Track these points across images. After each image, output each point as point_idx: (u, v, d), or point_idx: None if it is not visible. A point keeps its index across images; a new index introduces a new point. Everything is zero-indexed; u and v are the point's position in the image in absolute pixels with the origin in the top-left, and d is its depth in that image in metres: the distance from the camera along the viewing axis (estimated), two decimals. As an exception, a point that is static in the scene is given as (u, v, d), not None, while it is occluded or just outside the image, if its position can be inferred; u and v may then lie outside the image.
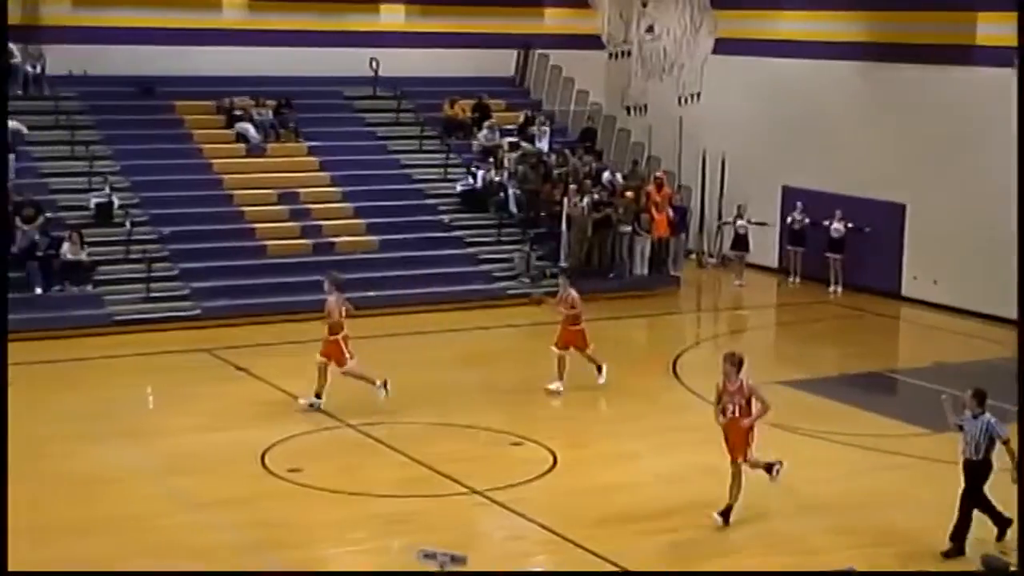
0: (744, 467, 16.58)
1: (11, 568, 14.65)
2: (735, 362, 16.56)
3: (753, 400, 16.57)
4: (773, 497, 17.20)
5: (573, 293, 22.97)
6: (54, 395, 21.68)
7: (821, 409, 22.05)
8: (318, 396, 21.49)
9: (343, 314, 21.72)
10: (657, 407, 22.78)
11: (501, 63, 38.44)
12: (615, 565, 15.28)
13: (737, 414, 16.53)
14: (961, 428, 15.90)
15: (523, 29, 38.27)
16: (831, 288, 32.40)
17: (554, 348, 22.88)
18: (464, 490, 17.71)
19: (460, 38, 36.95)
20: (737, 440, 16.57)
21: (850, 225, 31.97)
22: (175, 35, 34.25)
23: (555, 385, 22.65)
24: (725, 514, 16.48)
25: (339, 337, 21.60)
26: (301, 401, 21.52)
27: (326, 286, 22.25)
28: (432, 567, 12.65)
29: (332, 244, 31.21)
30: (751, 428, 16.60)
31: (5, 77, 16.29)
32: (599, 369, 23.22)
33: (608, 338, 26.99)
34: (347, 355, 21.54)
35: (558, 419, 21.66)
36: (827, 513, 17.14)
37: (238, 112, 34.29)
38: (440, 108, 36.24)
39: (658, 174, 34.38)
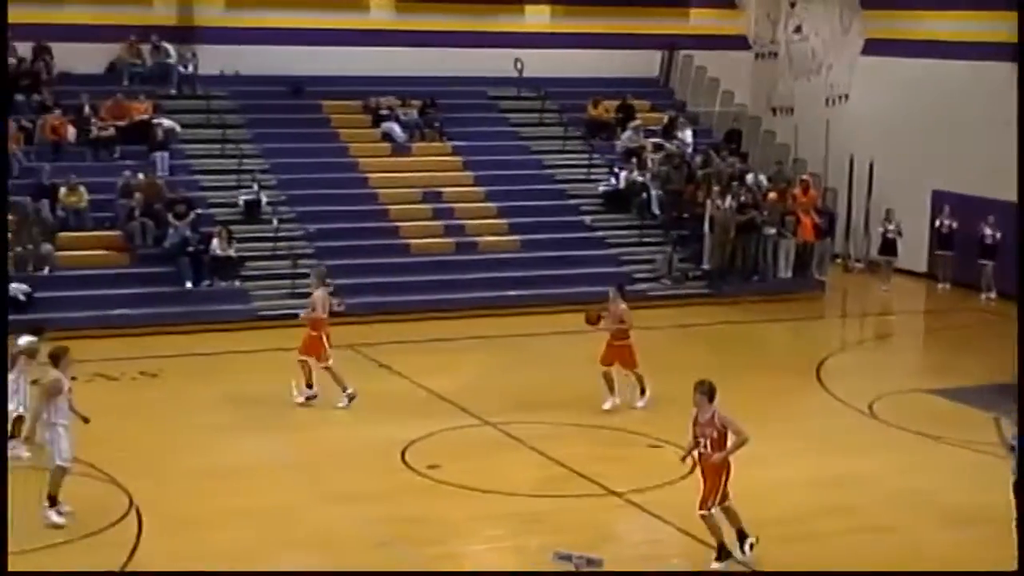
0: (714, 511, 15.07)
1: (157, 556, 15.03)
2: (705, 391, 15.05)
3: (728, 433, 15.02)
4: (917, 508, 16.93)
5: (623, 306, 21.84)
6: (202, 387, 22.09)
7: (966, 418, 21.61)
8: (309, 386, 21.67)
9: (327, 309, 21.78)
10: (799, 412, 22.56)
11: (646, 64, 38.35)
12: (752, 570, 15.15)
13: (709, 449, 15.03)
14: (1013, 449, 15.08)
15: (668, 29, 38.15)
16: (983, 295, 31.72)
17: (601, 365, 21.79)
18: (602, 491, 17.70)
19: (605, 39, 36.94)
20: (707, 480, 15.09)
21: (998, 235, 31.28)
22: (324, 36, 34.74)
23: (608, 404, 21.60)
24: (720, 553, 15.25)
25: (321, 334, 21.69)
26: (297, 398, 21.62)
27: (312, 281, 22.41)
28: (567, 568, 12.65)
29: (475, 243, 31.40)
30: (724, 466, 15.03)
31: (5, 77, 16.62)
32: (641, 392, 21.89)
33: (750, 341, 26.87)
34: (327, 351, 21.61)
35: (698, 422, 21.51)
36: (970, 525, 16.81)
37: (384, 112, 34.65)
38: (584, 108, 36.26)
39: (804, 176, 34.02)
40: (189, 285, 28.18)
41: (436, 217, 32.02)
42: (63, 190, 29.22)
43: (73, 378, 16.92)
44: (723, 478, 15.01)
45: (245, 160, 31.88)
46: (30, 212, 28.33)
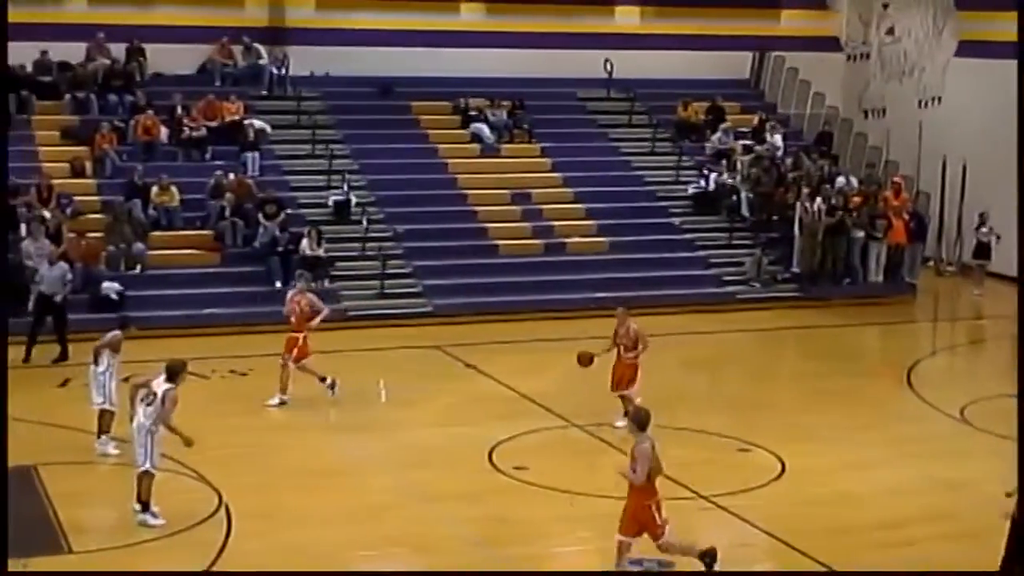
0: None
1: (245, 556, 15.12)
2: (638, 420, 14.57)
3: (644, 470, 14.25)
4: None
5: (634, 326, 20.77)
6: (291, 386, 22.18)
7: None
8: (323, 380, 21.80)
9: (303, 311, 21.98)
10: (890, 416, 22.27)
11: (736, 65, 38.10)
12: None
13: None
14: None
15: (759, 31, 37.90)
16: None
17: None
18: (690, 495, 17.56)
19: (695, 40, 36.75)
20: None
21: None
22: (414, 37, 34.85)
23: (621, 423, 19.63)
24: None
25: (301, 335, 21.86)
26: (329, 391, 21.78)
27: (301, 284, 22.73)
28: (636, 571, 12.60)
29: (563, 244, 31.36)
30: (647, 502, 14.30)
31: (5, 77, 16.73)
32: (625, 413, 19.32)
33: (840, 345, 26.59)
34: (307, 352, 21.81)
35: (787, 426, 21.30)
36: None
37: (473, 112, 34.71)
38: (673, 110, 36.11)
39: (895, 179, 33.62)
40: (279, 285, 28.32)
41: (525, 218, 32.01)
42: (155, 189, 29.53)
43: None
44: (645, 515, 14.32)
45: (335, 160, 32.04)
46: (122, 212, 28.65)
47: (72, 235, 27.75)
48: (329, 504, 17.20)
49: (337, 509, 17.04)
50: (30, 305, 24.71)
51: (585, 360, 20.63)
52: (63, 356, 24.33)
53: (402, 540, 16.02)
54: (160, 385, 16.00)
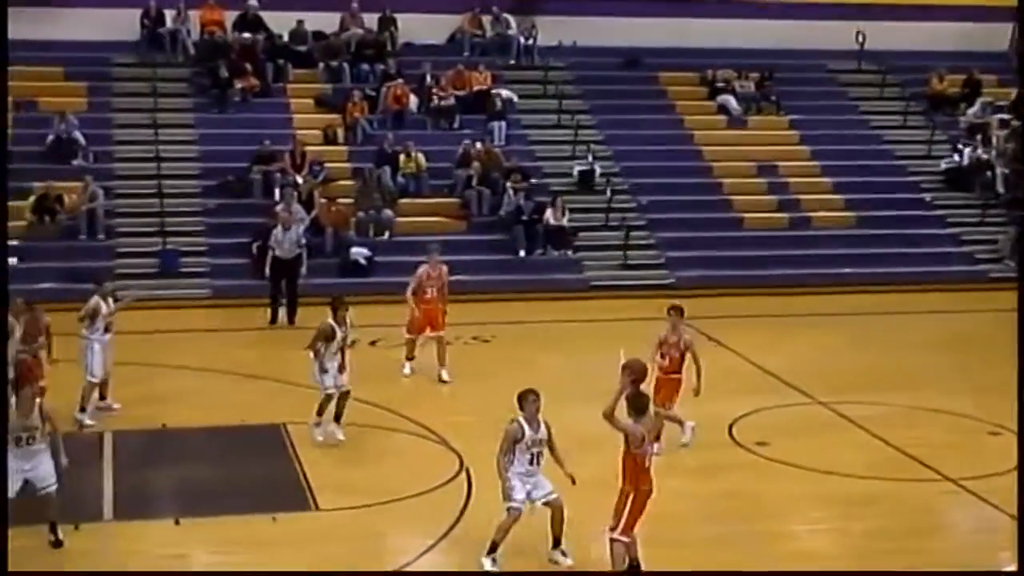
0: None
1: (484, 520, 15.26)
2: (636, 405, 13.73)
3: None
4: None
5: (686, 336, 18.53)
6: (533, 354, 22.36)
7: None
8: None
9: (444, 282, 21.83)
10: None
11: (994, 36, 36.82)
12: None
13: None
14: None
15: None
16: None
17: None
18: (935, 476, 17.15)
19: (950, 11, 35.72)
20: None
21: None
22: (661, 7, 34.62)
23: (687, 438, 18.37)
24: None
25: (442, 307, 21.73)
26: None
27: (436, 254, 22.32)
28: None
29: (808, 219, 30.91)
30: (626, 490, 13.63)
31: (4, 78, 16.95)
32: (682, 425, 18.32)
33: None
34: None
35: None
36: None
37: (721, 84, 34.41)
38: (926, 83, 35.17)
39: None
40: (523, 254, 28.61)
41: (770, 191, 31.62)
42: (403, 157, 30.06)
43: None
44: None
45: (580, 131, 32.13)
46: (372, 179, 29.24)
47: (323, 201, 28.47)
48: (576, 473, 17.25)
49: (580, 479, 17.08)
50: (266, 269, 25.22)
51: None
52: (291, 320, 24.86)
53: (645, 514, 15.95)
54: None
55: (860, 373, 21.82)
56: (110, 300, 18.97)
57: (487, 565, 14.02)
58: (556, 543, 13.94)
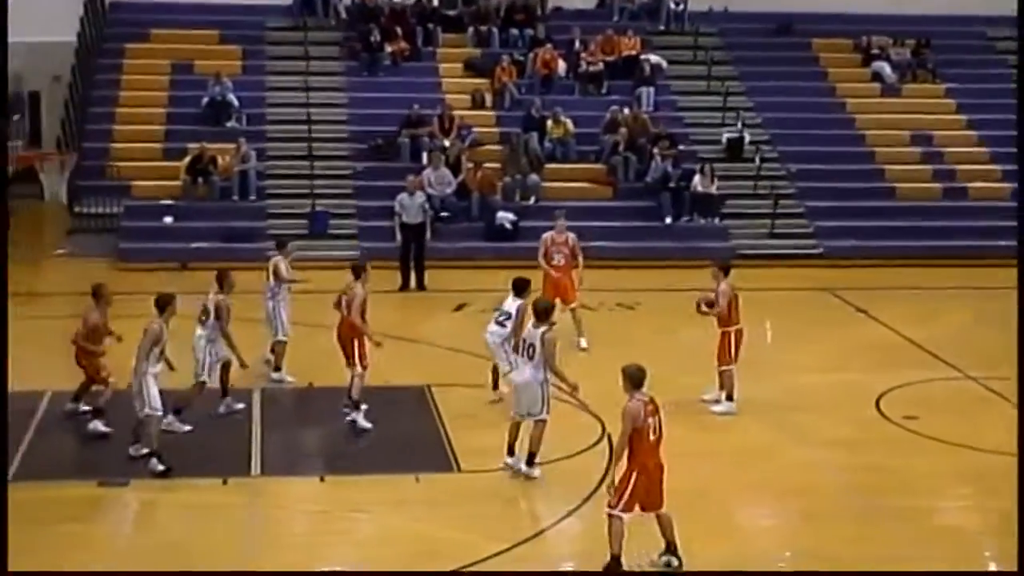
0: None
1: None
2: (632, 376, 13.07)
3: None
4: None
5: (723, 287, 18.37)
6: (678, 322, 22.22)
7: None
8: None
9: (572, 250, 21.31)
10: None
11: None
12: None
13: None
14: None
15: None
16: None
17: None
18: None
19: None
20: None
21: None
22: (816, -28, 34.12)
23: (721, 404, 18.36)
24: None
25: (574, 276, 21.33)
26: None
27: (562, 221, 21.69)
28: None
29: (964, 189, 30.33)
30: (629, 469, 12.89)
31: (4, 77, 16.93)
32: (729, 396, 18.30)
33: None
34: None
35: None
36: None
37: (875, 51, 33.85)
38: (1091, 50, 34.16)
39: None
40: (669, 221, 28.46)
41: (924, 161, 31.05)
42: (551, 123, 30.03)
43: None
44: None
45: (730, 97, 31.84)
46: (519, 143, 29.26)
47: (470, 165, 28.57)
48: (712, 442, 17.18)
49: (717, 447, 17.01)
50: (396, 235, 25.39)
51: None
52: (419, 284, 25.01)
53: (780, 482, 15.85)
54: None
55: (1013, 348, 21.30)
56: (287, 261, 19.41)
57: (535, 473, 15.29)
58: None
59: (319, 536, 14.17)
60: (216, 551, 13.45)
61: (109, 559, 13.30)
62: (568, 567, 13.96)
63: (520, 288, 17.60)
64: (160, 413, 15.47)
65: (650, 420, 12.84)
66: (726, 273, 18.53)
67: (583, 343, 21.26)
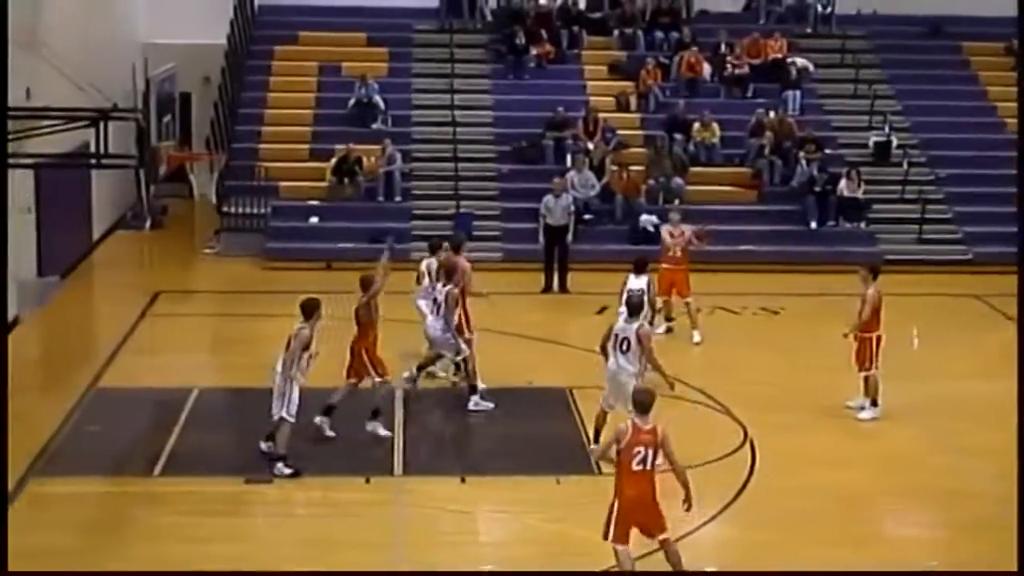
0: None
1: (767, 492, 15.12)
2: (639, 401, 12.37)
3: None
4: None
5: (871, 291, 18.08)
6: (823, 328, 21.96)
7: None
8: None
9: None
10: None
11: None
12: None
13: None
14: None
15: None
16: None
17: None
18: None
19: None
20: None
21: None
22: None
23: (866, 410, 18.01)
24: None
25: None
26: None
27: (676, 215, 22.58)
28: None
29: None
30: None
31: (4, 75, 16.91)
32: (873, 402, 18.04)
33: None
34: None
35: None
36: None
37: (1028, 54, 33.10)
38: None
39: None
40: (814, 225, 28.16)
41: (1078, 166, 30.28)
42: (696, 126, 29.89)
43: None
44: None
45: (878, 101, 31.39)
46: (664, 146, 29.17)
47: (615, 168, 28.53)
48: (858, 448, 16.98)
49: (867, 454, 16.81)
50: (540, 237, 25.45)
51: None
52: (562, 287, 25.03)
53: (930, 491, 15.61)
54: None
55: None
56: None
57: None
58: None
59: (460, 535, 14.27)
60: (359, 548, 13.60)
61: (253, 555, 13.52)
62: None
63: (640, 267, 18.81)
64: (294, 420, 15.52)
65: (638, 450, 12.10)
66: (875, 276, 18.23)
67: (696, 337, 21.40)
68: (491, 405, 17.81)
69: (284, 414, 15.40)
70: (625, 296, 17.59)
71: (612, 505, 12.34)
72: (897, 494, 15.62)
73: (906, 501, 15.48)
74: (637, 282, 18.63)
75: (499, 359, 20.08)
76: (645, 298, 17.46)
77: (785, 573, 13.45)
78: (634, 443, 12.11)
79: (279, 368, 15.40)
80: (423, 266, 19.49)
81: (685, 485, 12.27)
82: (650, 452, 12.12)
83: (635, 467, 12.14)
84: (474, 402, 17.84)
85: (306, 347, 15.43)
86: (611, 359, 16.02)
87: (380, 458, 16.06)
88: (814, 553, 13.58)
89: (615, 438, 12.29)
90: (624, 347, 15.84)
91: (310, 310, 15.68)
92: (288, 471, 15.36)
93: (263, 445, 15.77)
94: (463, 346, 17.89)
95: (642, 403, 12.28)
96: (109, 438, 16.97)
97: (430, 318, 18.29)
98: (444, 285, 17.98)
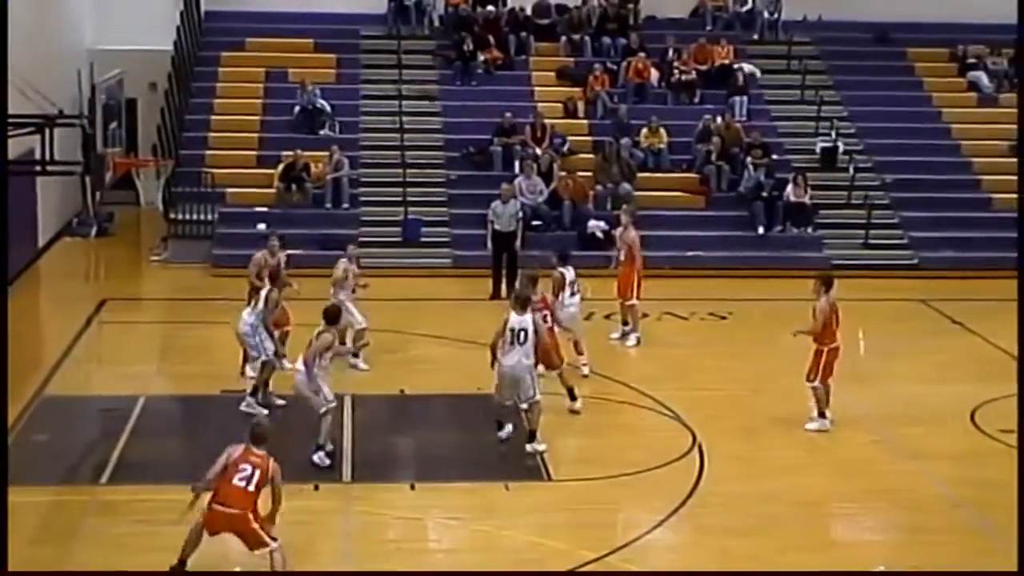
0: None
1: (714, 497, 15.16)
2: None
3: None
4: None
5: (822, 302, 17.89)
6: (770, 332, 22.08)
7: None
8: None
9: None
10: None
11: None
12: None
13: None
14: None
15: None
16: None
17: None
18: None
19: None
20: None
21: None
22: (912, -21, 33.75)
23: (813, 421, 17.85)
24: None
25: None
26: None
27: (628, 216, 22.49)
28: None
29: (1063, 201, 29.77)
30: None
31: (4, 75, 17.00)
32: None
33: None
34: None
35: None
36: None
37: (972, 60, 33.41)
38: None
39: None
40: (761, 230, 28.28)
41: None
42: (644, 131, 29.96)
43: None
44: None
45: (824, 107, 31.57)
46: (612, 152, 29.21)
47: (563, 173, 28.57)
48: (810, 453, 17.04)
49: (818, 459, 16.87)
50: (488, 243, 25.45)
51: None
52: (510, 293, 24.89)
53: (884, 495, 15.69)
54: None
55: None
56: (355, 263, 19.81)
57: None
58: None
59: (410, 542, 14.24)
60: (309, 556, 13.54)
61: (206, 564, 13.43)
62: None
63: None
64: (335, 403, 16.24)
65: (244, 467, 12.56)
66: (828, 287, 18.12)
67: (632, 340, 21.58)
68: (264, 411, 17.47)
69: (326, 406, 15.95)
70: (514, 294, 17.56)
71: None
72: (850, 497, 15.68)
73: (859, 503, 15.54)
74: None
75: (447, 366, 20.11)
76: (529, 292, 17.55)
77: (771, 573, 13.49)
78: (242, 461, 12.61)
79: (300, 366, 15.96)
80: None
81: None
82: (257, 472, 12.54)
83: (237, 482, 12.53)
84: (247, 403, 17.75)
85: (328, 349, 16.07)
86: (507, 355, 16.36)
87: (329, 465, 15.99)
88: (770, 558, 13.61)
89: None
90: (521, 339, 16.32)
91: (333, 316, 16.43)
92: (328, 461, 15.91)
93: (314, 457, 15.96)
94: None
95: (260, 436, 12.81)
96: (56, 447, 16.85)
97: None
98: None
